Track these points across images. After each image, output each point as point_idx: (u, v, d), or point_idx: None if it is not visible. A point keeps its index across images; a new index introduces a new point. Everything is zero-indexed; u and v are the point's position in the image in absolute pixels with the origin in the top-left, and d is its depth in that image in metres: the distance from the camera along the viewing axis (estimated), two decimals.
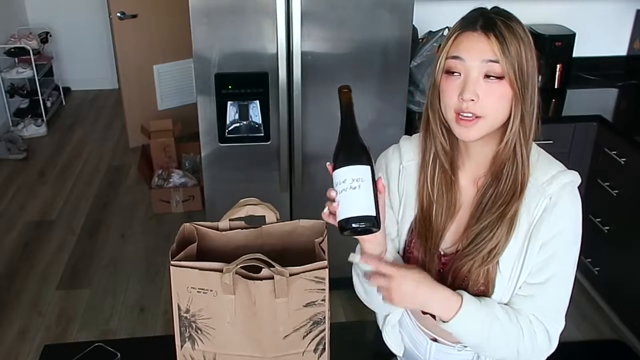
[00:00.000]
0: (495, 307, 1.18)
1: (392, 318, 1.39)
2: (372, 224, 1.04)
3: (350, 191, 1.04)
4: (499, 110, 1.12)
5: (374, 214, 1.04)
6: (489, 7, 1.16)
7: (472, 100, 1.10)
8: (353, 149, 1.07)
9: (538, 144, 1.24)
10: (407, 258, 1.29)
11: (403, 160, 1.29)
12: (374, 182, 1.06)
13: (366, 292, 1.28)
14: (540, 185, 1.17)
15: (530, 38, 1.13)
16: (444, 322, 1.15)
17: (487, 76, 1.10)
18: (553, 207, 1.16)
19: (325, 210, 1.09)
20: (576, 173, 1.20)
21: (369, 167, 1.06)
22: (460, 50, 1.11)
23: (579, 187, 1.20)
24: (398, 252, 1.31)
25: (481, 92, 1.10)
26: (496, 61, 1.09)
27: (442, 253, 1.25)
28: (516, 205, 1.16)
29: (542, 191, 1.16)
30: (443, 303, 1.15)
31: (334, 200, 1.06)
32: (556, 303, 1.21)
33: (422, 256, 1.25)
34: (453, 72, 1.13)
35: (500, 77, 1.09)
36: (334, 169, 1.08)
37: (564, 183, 1.17)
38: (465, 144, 1.20)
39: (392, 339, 1.41)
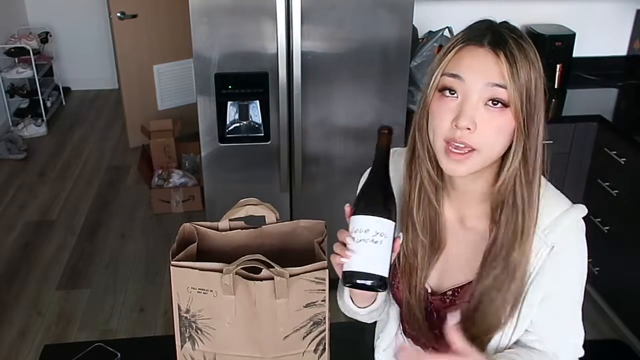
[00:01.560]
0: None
1: (382, 343, 1.31)
2: (381, 285, 0.96)
3: (370, 244, 0.95)
4: (497, 144, 0.97)
5: (386, 274, 0.96)
6: (497, 20, 1.02)
7: (468, 129, 0.94)
8: (385, 200, 0.98)
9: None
10: (393, 294, 1.19)
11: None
12: (394, 240, 0.97)
13: (354, 317, 1.20)
14: (542, 232, 1.03)
15: (541, 63, 0.98)
16: None
17: (489, 102, 0.95)
18: (555, 256, 1.03)
19: (338, 259, 0.96)
20: (581, 208, 1.06)
21: (393, 224, 0.97)
22: (462, 68, 0.95)
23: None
24: None
25: (479, 121, 0.95)
26: (503, 86, 0.93)
27: (428, 291, 1.13)
28: (524, 261, 1.02)
29: (543, 239, 1.03)
30: None
31: (345, 244, 0.95)
32: (570, 333, 1.14)
33: (407, 294, 1.13)
34: (449, 92, 0.97)
35: (504, 105, 0.94)
36: (356, 212, 0.97)
37: (567, 227, 1.04)
38: (454, 177, 1.06)
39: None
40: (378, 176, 1.00)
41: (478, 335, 1.06)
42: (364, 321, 1.21)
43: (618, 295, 2.83)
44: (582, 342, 1.15)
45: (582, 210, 1.06)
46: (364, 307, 1.14)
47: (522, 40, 0.97)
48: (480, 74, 0.94)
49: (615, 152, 2.69)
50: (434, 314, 1.14)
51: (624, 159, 2.63)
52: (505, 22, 1.02)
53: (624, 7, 3.26)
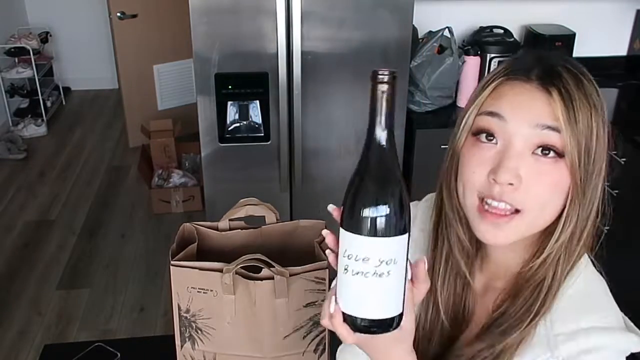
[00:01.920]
0: None
1: None
2: (392, 326, 0.69)
3: (372, 279, 0.65)
4: (548, 205, 0.75)
5: (399, 312, 0.68)
6: (549, 54, 0.80)
7: (511, 184, 0.73)
8: (393, 204, 0.64)
9: None
10: None
11: (415, 229, 0.90)
12: (408, 256, 0.68)
13: None
14: (553, 335, 0.77)
15: (605, 107, 0.77)
16: None
17: (537, 151, 0.74)
18: None
19: (332, 306, 0.71)
20: (630, 337, 0.78)
21: (406, 237, 0.66)
22: (503, 105, 0.75)
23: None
24: None
25: (526, 174, 0.73)
26: (557, 129, 0.73)
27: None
28: (519, 345, 0.79)
29: (551, 345, 0.76)
30: None
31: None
32: None
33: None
34: (486, 137, 0.76)
35: (558, 155, 0.74)
36: (345, 226, 0.66)
37: (594, 346, 0.75)
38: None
39: None
40: (377, 161, 0.66)
41: None
42: None
43: (618, 296, 2.82)
44: None
45: (629, 340, 0.78)
46: None
47: (583, 75, 0.78)
48: (528, 113, 0.74)
49: (615, 152, 2.68)
50: None
51: (624, 159, 2.63)
52: (559, 53, 0.82)
53: (624, 7, 3.26)
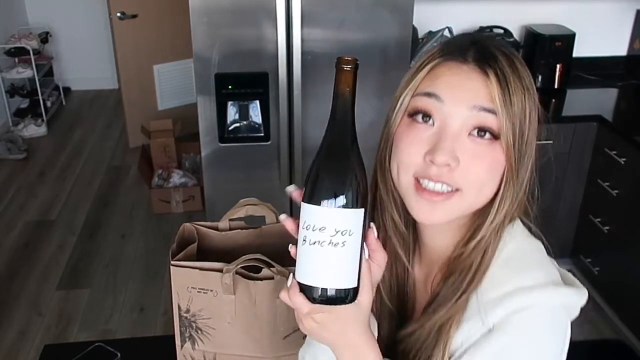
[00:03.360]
0: None
1: None
2: (348, 298, 0.71)
3: (328, 248, 0.68)
4: (486, 186, 0.75)
5: (354, 285, 0.71)
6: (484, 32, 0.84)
7: (448, 165, 0.73)
8: (349, 177, 0.70)
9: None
10: None
11: None
12: (364, 232, 0.71)
13: None
14: (483, 303, 0.76)
15: (535, 90, 0.78)
16: None
17: (474, 132, 0.74)
18: (489, 343, 0.74)
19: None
20: (571, 291, 0.76)
21: (362, 212, 0.70)
22: (439, 86, 0.75)
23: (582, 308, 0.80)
24: None
25: (462, 155, 0.73)
26: (493, 111, 0.73)
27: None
28: (452, 322, 0.77)
29: (482, 313, 0.75)
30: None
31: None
32: None
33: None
34: (422, 117, 0.75)
35: (494, 137, 0.74)
36: (307, 199, 0.70)
37: (518, 308, 0.74)
38: (423, 225, 0.83)
39: None
40: (337, 139, 0.72)
41: None
42: None
43: (618, 295, 2.83)
44: None
45: (572, 294, 0.76)
46: None
47: (515, 58, 0.77)
48: (465, 94, 0.74)
49: (615, 152, 2.69)
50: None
51: (624, 159, 2.63)
52: (491, 34, 0.82)
53: (624, 7, 3.26)
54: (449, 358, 0.77)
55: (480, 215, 0.78)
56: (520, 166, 0.76)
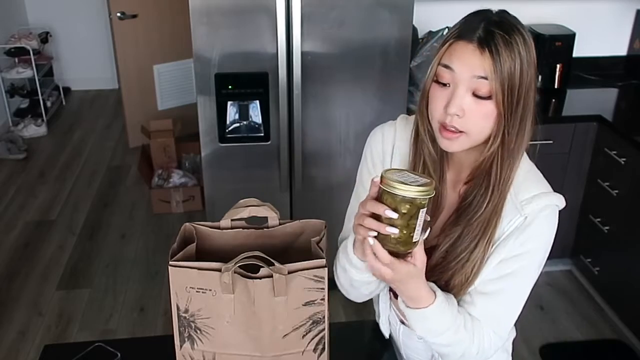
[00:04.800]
0: (456, 314, 1.14)
1: (381, 315, 1.41)
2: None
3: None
4: (484, 129, 1.09)
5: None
6: (494, 11, 1.09)
7: (457, 115, 1.07)
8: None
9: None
10: None
11: (396, 140, 1.26)
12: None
13: (352, 284, 1.20)
14: (519, 202, 1.13)
15: (532, 53, 1.07)
16: (407, 306, 1.13)
17: (474, 94, 1.06)
18: (526, 227, 1.13)
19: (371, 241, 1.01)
20: (560, 197, 1.16)
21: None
22: (453, 60, 1.07)
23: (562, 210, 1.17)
24: None
25: (467, 108, 1.06)
26: (485, 78, 1.04)
27: None
28: (492, 230, 1.13)
29: (519, 208, 1.13)
30: (416, 292, 1.11)
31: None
32: (501, 317, 1.19)
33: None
34: (443, 82, 1.09)
35: (487, 97, 1.05)
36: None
37: (544, 205, 1.13)
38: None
39: (377, 318, 1.43)
40: None
41: (459, 285, 1.17)
42: (365, 281, 1.17)
43: (618, 295, 2.83)
44: (506, 337, 1.22)
45: (560, 199, 1.16)
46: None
47: (511, 34, 1.04)
48: (467, 67, 1.05)
49: (615, 152, 2.69)
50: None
51: (624, 159, 2.63)
52: (501, 14, 1.08)
53: (624, 7, 3.26)
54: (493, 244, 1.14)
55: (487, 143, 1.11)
56: (512, 113, 1.07)
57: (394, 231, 0.97)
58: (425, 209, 0.97)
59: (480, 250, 1.14)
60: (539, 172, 1.20)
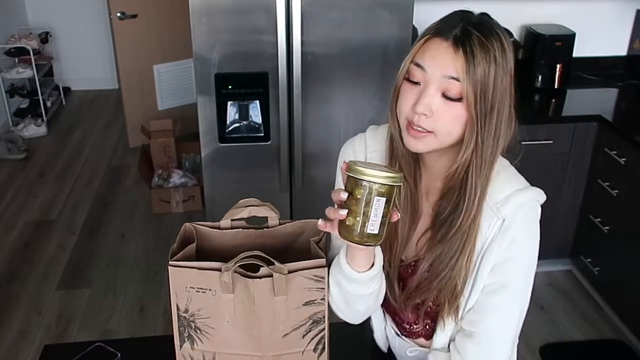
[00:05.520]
0: None
1: (376, 332, 1.39)
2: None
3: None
4: (452, 131, 1.03)
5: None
6: (476, 13, 1.05)
7: (425, 115, 1.02)
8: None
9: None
10: None
11: (368, 152, 1.23)
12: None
13: (347, 301, 1.15)
14: (495, 204, 1.08)
15: (510, 61, 1.02)
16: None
17: (444, 95, 1.01)
18: (506, 230, 1.08)
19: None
20: (537, 191, 1.11)
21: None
22: (425, 58, 1.02)
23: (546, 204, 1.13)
24: None
25: (435, 108, 1.01)
26: (457, 79, 0.99)
27: (402, 260, 1.19)
28: (472, 245, 1.09)
29: (495, 211, 1.08)
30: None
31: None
32: (501, 331, 1.14)
33: (387, 267, 1.18)
34: (414, 81, 1.04)
35: (460, 97, 1.00)
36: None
37: (520, 203, 1.08)
38: (422, 154, 1.14)
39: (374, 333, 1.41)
40: None
41: (446, 301, 1.14)
42: (359, 295, 1.12)
43: (618, 295, 2.83)
44: (511, 341, 1.15)
45: (538, 193, 1.11)
46: (364, 272, 1.09)
47: (489, 37, 1.00)
48: (439, 66, 1.01)
49: (615, 152, 2.69)
50: (400, 282, 1.21)
51: (624, 159, 2.63)
52: (482, 16, 1.04)
53: (624, 7, 3.26)
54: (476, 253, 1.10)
55: (458, 149, 1.06)
56: (486, 118, 1.02)
57: (342, 212, 0.95)
58: (383, 199, 0.94)
59: (462, 266, 1.10)
60: (512, 168, 1.15)
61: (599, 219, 2.83)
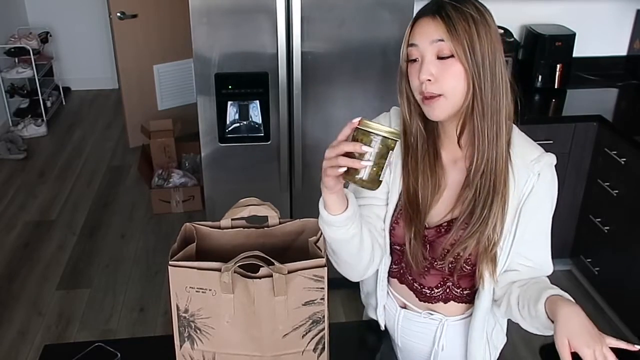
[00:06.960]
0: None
1: (367, 285, 1.48)
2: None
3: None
4: (456, 88, 1.15)
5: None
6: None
7: (429, 80, 1.15)
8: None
9: (540, 144, 1.27)
10: (392, 232, 1.33)
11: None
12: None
13: (333, 250, 1.23)
14: (529, 162, 1.23)
15: (487, 17, 1.15)
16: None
17: (439, 57, 1.14)
18: (541, 183, 1.24)
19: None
20: (553, 155, 1.28)
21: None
22: (415, 37, 1.17)
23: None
24: (383, 229, 1.34)
25: (436, 71, 1.15)
26: (442, 40, 1.13)
27: (426, 226, 1.30)
28: (504, 186, 1.22)
29: (530, 168, 1.23)
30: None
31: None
32: (547, 257, 1.32)
33: (410, 233, 1.29)
34: (413, 59, 1.18)
35: (449, 56, 1.14)
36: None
37: (549, 163, 1.25)
38: (441, 125, 1.26)
39: (371, 311, 1.48)
40: None
41: (484, 251, 1.24)
42: (341, 239, 1.19)
43: (618, 296, 2.83)
44: (551, 264, 1.34)
45: (554, 157, 1.28)
46: (339, 214, 1.17)
47: (464, 3, 1.14)
48: (426, 36, 1.16)
49: (615, 152, 2.69)
50: (427, 246, 1.30)
51: (624, 159, 2.63)
52: None
53: (624, 7, 3.26)
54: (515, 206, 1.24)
55: (469, 115, 1.19)
56: (479, 70, 1.14)
57: (369, 164, 1.05)
58: (392, 152, 1.06)
59: (498, 206, 1.21)
60: (530, 138, 1.31)
61: (599, 219, 2.83)
